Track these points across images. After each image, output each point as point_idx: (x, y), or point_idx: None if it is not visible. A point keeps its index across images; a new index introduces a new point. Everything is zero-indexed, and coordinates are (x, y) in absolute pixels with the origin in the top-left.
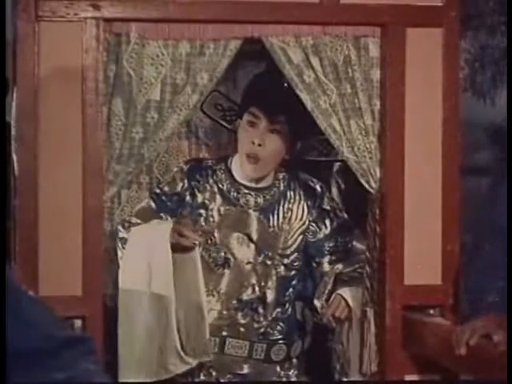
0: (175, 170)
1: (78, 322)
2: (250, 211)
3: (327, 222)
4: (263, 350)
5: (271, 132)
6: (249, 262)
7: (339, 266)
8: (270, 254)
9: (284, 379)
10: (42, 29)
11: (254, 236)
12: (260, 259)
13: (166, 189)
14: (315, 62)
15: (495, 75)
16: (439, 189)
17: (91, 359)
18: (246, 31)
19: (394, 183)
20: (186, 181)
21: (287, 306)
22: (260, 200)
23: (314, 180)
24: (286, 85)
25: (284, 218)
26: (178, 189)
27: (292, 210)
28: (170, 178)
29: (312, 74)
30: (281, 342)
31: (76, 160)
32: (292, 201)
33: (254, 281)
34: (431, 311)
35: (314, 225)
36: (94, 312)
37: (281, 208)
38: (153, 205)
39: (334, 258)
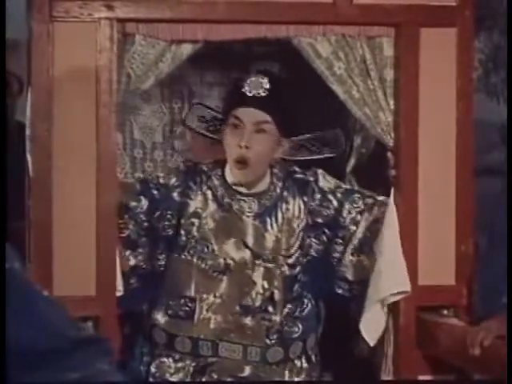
0: (171, 166)
1: (92, 323)
2: (244, 217)
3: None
4: (280, 352)
5: (257, 132)
6: (248, 267)
7: None
8: (270, 257)
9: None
10: (56, 29)
11: (250, 241)
12: (259, 263)
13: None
14: (343, 55)
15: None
16: (453, 189)
17: (106, 360)
18: (259, 31)
19: (408, 183)
20: (180, 179)
21: (297, 301)
22: (254, 206)
23: (307, 172)
24: (264, 80)
25: (283, 219)
26: (170, 183)
27: (289, 210)
28: (166, 171)
29: (342, 65)
30: (296, 338)
31: (90, 160)
32: (289, 200)
33: (257, 285)
34: (445, 312)
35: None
36: (108, 312)
37: (279, 210)
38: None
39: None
